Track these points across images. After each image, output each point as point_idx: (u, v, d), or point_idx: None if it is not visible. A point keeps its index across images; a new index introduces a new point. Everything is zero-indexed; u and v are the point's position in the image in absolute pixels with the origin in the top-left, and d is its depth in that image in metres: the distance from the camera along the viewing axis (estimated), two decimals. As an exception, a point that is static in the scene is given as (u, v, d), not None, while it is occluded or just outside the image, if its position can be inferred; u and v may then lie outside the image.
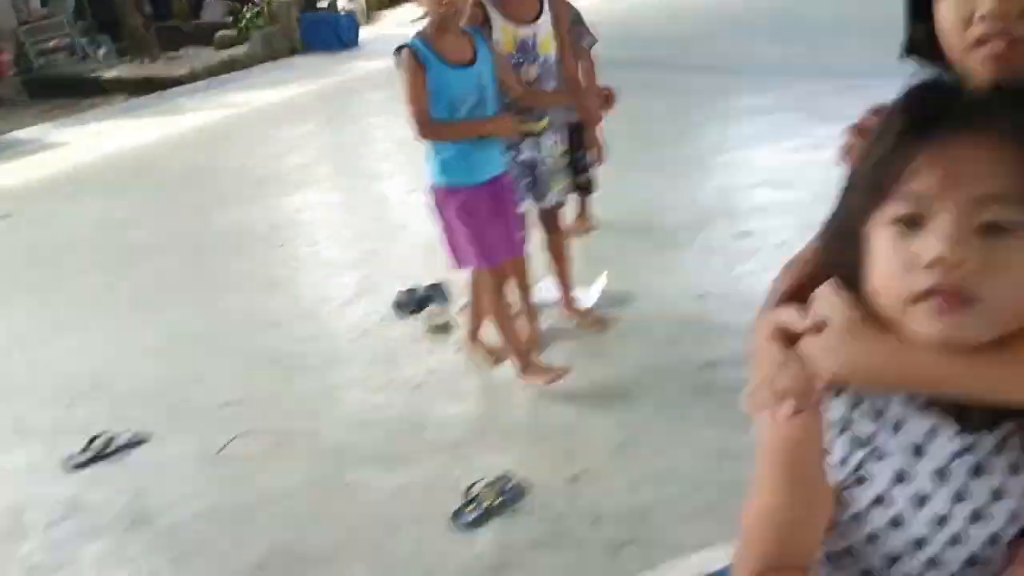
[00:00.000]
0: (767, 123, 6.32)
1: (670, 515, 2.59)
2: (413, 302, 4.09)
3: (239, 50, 12.01)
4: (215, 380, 3.66)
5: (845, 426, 0.94)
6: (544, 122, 3.42)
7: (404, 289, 4.16)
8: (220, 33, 12.34)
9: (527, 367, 3.32)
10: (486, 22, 3.23)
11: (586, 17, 4.00)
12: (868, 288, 0.90)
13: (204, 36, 12.47)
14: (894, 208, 0.86)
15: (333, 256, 4.95)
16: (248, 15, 12.37)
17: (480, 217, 3.13)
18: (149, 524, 2.85)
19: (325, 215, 5.70)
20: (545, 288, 3.82)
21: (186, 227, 5.61)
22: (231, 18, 12.80)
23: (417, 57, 3.00)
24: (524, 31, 3.27)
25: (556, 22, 3.34)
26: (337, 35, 12.46)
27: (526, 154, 3.43)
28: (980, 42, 1.01)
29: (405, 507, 2.78)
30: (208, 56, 11.87)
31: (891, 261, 0.87)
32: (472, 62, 3.05)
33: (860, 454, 0.94)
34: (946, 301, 0.84)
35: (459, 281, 3.97)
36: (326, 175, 6.55)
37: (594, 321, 3.75)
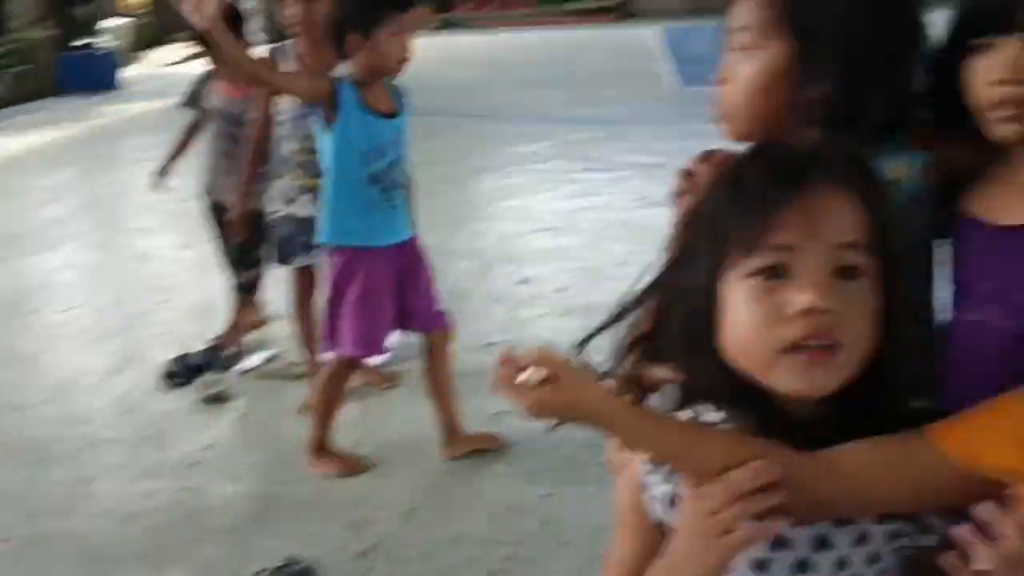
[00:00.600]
0: (541, 170, 6.50)
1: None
2: (184, 371, 3.77)
3: (-12, 91, 11.06)
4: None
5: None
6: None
7: (174, 357, 3.83)
8: (-37, 72, 11.29)
9: (322, 454, 3.10)
10: None
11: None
12: (724, 343, 0.91)
13: (-56, 75, 11.37)
14: (755, 261, 0.88)
15: (91, 323, 4.51)
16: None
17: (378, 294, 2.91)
18: None
19: (83, 277, 5.23)
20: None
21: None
22: (-22, 56, 11.74)
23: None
24: None
25: None
26: (97, 76, 11.76)
27: (305, 210, 3.25)
28: None
29: (179, 611, 2.50)
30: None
31: (755, 314, 0.88)
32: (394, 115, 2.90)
33: None
34: (816, 354, 0.87)
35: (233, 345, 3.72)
36: (85, 230, 6.07)
37: (382, 378, 3.60)
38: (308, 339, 3.48)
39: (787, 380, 0.88)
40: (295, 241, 3.32)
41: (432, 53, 13.04)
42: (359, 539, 2.73)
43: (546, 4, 15.82)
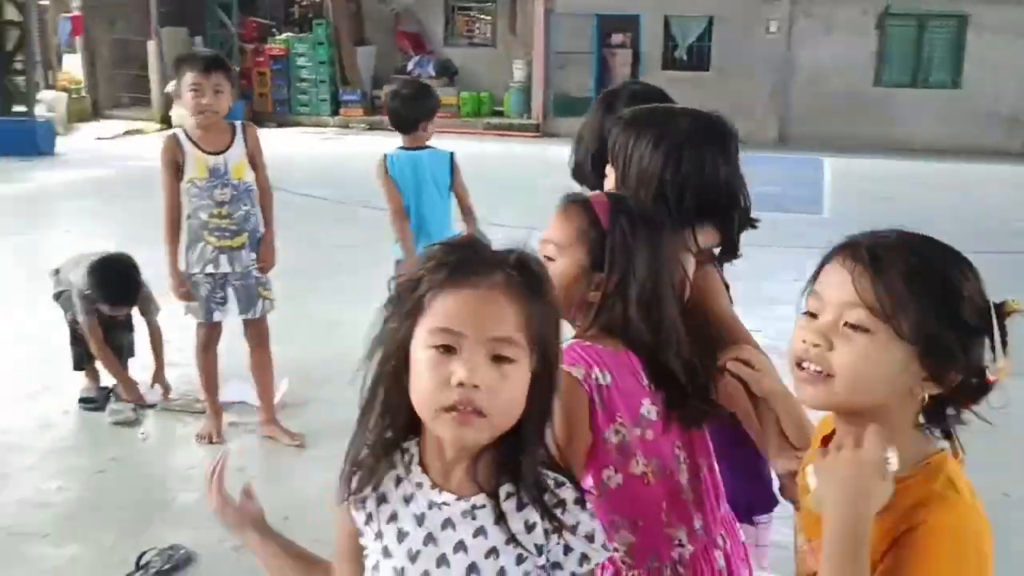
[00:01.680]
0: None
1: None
2: (101, 398, 4.29)
3: (-84, 148, 11.32)
4: None
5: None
6: (243, 237, 3.80)
7: (94, 385, 4.35)
8: None
9: None
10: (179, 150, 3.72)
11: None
12: (412, 396, 1.15)
13: None
14: (434, 337, 1.12)
15: (19, 353, 4.98)
16: (-69, 112, 11.74)
17: None
18: None
19: (9, 315, 5.66)
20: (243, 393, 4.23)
21: None
22: (-90, 113, 12.06)
23: None
24: (214, 160, 3.74)
25: (249, 151, 3.81)
26: (33, 141, 12.15)
27: (223, 268, 3.78)
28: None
29: (76, 574, 3.01)
30: None
31: (430, 378, 1.11)
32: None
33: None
34: (464, 416, 1.10)
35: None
36: (13, 281, 6.46)
37: (293, 435, 4.00)
38: (208, 383, 3.97)
39: (444, 432, 1.12)
40: (214, 297, 3.82)
41: (360, 149, 13.89)
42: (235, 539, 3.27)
43: (468, 117, 16.92)
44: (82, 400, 4.30)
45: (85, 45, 16.81)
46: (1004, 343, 1.13)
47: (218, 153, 3.74)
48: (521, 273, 1.14)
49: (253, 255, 3.84)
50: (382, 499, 1.21)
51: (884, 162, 14.10)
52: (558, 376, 1.21)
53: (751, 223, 1.85)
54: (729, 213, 1.77)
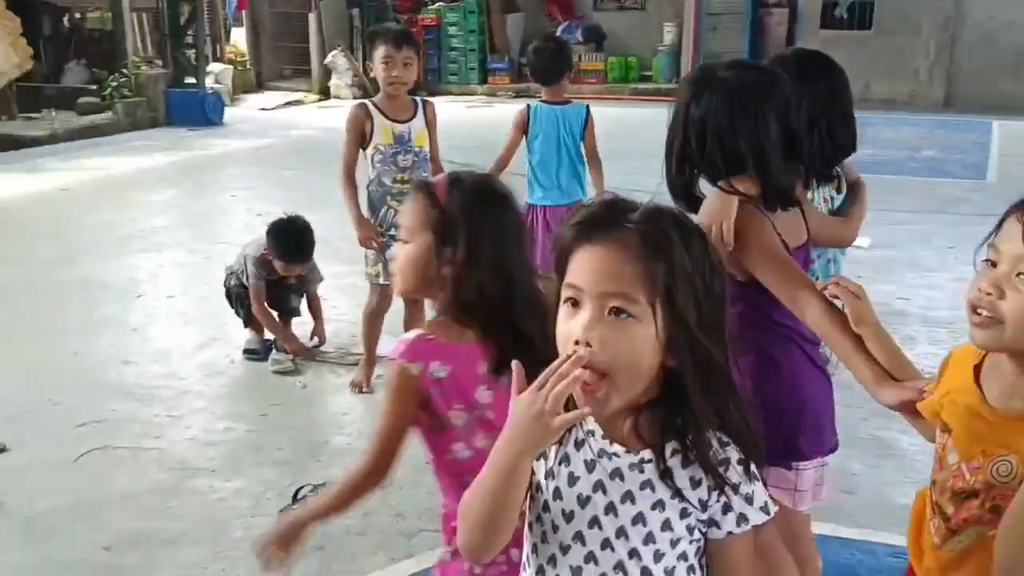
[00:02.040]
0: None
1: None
2: (263, 349, 4.63)
3: (102, 117, 12.27)
4: (71, 404, 4.07)
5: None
6: None
7: (257, 337, 4.70)
8: (83, 99, 12.57)
9: None
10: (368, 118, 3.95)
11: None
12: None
13: (65, 100, 12.66)
14: (564, 292, 1.19)
15: (186, 308, 5.42)
16: (113, 84, 12.67)
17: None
18: (7, 515, 3.24)
19: (181, 272, 6.15)
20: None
21: (48, 274, 5.95)
22: (95, 85, 13.06)
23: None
24: (400, 127, 3.98)
25: (428, 123, 4.04)
26: (203, 112, 12.92)
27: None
28: None
29: (240, 506, 3.30)
30: (69, 120, 12.07)
31: (560, 331, 1.19)
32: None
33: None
34: (586, 388, 1.13)
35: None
36: (186, 238, 6.98)
37: None
38: (370, 340, 4.23)
39: (576, 397, 1.15)
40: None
41: (505, 117, 14.07)
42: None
43: (615, 83, 16.83)
44: (246, 351, 4.65)
45: (250, 19, 17.68)
46: None
47: (404, 122, 3.99)
48: (648, 229, 1.16)
49: None
50: (557, 440, 1.22)
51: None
52: (714, 332, 1.19)
53: (820, 172, 2.22)
54: (760, 164, 1.91)
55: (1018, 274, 1.28)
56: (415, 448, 3.79)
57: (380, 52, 3.91)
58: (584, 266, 1.15)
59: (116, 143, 11.28)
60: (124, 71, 12.85)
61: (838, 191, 2.48)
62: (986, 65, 15.22)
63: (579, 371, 1.12)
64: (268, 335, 4.68)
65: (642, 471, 1.19)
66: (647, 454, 1.19)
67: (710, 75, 1.97)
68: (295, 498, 3.26)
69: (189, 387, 4.32)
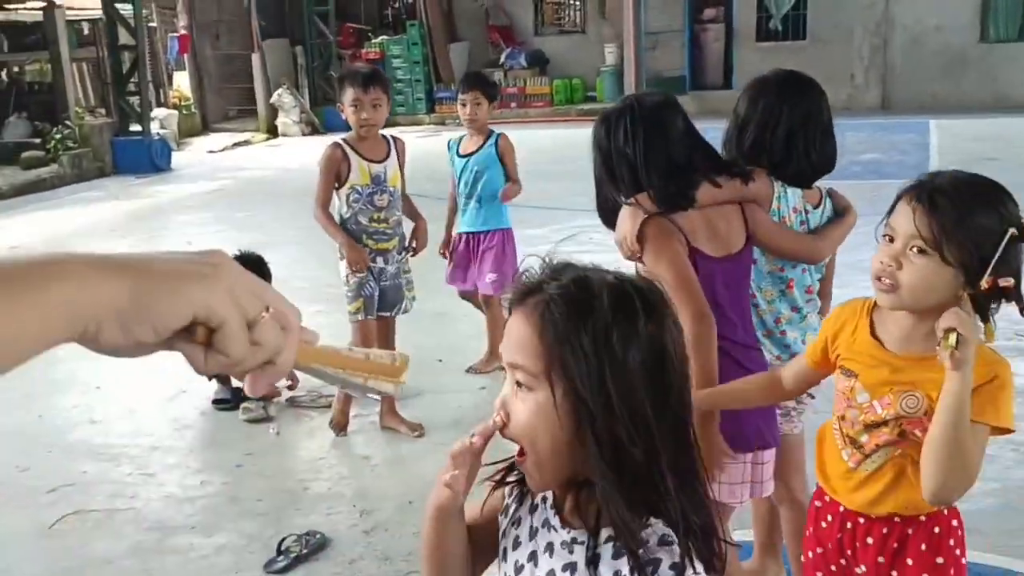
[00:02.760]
0: (540, 251, 7.31)
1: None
2: (233, 398, 4.59)
3: (47, 170, 12.12)
4: (40, 469, 4.00)
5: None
6: (395, 240, 4.11)
7: (226, 387, 4.66)
8: (26, 153, 12.40)
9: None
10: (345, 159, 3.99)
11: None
12: None
13: (7, 155, 12.47)
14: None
15: (153, 361, 5.32)
16: (57, 136, 12.52)
17: None
18: (-15, 590, 3.18)
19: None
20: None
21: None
22: (38, 138, 12.89)
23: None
24: (376, 168, 4.02)
25: (400, 162, 4.11)
26: (150, 158, 12.82)
27: (379, 267, 4.05)
28: None
29: (222, 563, 3.27)
30: (13, 175, 11.89)
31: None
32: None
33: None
34: (519, 456, 1.13)
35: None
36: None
37: (413, 426, 4.21)
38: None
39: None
40: (373, 296, 4.07)
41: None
42: (365, 520, 3.49)
43: (561, 105, 17.02)
44: (216, 401, 4.61)
45: (192, 62, 17.59)
46: (1001, 262, 1.54)
47: (380, 162, 4.04)
48: (547, 298, 1.08)
49: (399, 256, 4.16)
50: (520, 499, 1.23)
51: (992, 121, 13.53)
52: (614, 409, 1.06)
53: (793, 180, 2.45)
54: (636, 177, 2.22)
55: (910, 248, 1.58)
56: (398, 488, 3.78)
57: (348, 95, 3.92)
58: (506, 334, 1.13)
59: (64, 196, 11.14)
60: (67, 122, 12.71)
61: (816, 206, 2.51)
62: (918, 67, 15.69)
63: (475, 440, 1.15)
64: (236, 383, 4.64)
65: (571, 551, 1.13)
66: (580, 535, 1.13)
67: (615, 107, 2.32)
68: (279, 550, 3.25)
69: (159, 443, 4.27)
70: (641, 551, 1.05)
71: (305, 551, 3.25)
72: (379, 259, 4.07)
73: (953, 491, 1.59)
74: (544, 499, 1.19)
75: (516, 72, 17.63)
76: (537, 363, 1.07)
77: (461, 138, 4.77)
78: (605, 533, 1.10)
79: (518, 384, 1.10)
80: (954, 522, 1.76)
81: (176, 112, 16.41)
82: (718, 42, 16.78)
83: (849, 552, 1.82)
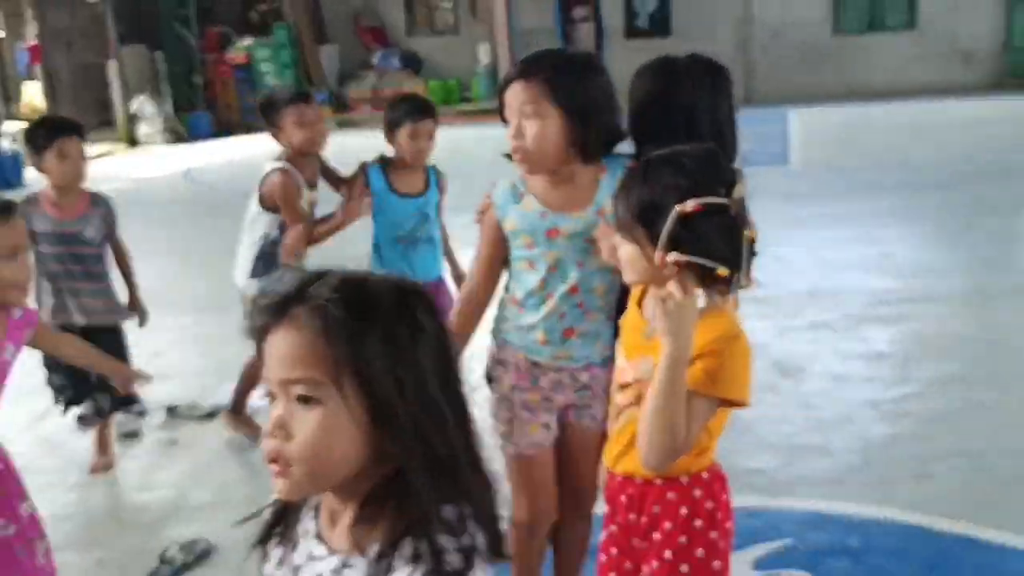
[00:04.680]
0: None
1: None
2: (94, 416, 4.37)
3: None
4: None
5: None
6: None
7: (90, 403, 4.46)
8: None
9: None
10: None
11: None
12: None
13: None
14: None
15: (19, 380, 5.06)
16: (-99, 153, 11.75)
17: None
18: None
19: (4, 345, 5.76)
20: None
21: None
22: None
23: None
24: (314, 193, 3.86)
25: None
26: (0, 174, 12.17)
27: None
28: None
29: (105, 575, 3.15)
30: None
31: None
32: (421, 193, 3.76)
33: None
34: (276, 471, 1.04)
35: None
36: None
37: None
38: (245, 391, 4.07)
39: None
40: None
41: (330, 149, 13.98)
42: (252, 525, 3.41)
43: (438, 106, 17.01)
44: (79, 419, 4.39)
45: (45, 72, 16.79)
46: (672, 238, 1.59)
47: (314, 186, 3.88)
48: (335, 300, 1.03)
49: None
50: (283, 536, 1.17)
51: (846, 109, 14.30)
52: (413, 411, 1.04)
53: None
54: None
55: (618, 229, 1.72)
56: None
57: (291, 113, 3.70)
58: (268, 356, 1.05)
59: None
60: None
61: None
62: (777, 61, 16.40)
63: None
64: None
65: None
66: (353, 557, 1.05)
67: None
68: (162, 560, 3.14)
69: (30, 463, 4.01)
70: (437, 543, 1.02)
71: (191, 559, 3.16)
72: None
73: (660, 456, 1.59)
74: (306, 532, 1.13)
75: (390, 74, 17.54)
76: (322, 370, 1.01)
77: (383, 167, 3.76)
78: (373, 550, 1.04)
79: (298, 400, 1.03)
80: (716, 485, 1.75)
81: (27, 125, 15.63)
82: (589, 39, 17.11)
83: (608, 508, 1.84)
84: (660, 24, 17.01)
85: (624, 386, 1.76)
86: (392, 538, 1.02)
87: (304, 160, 3.80)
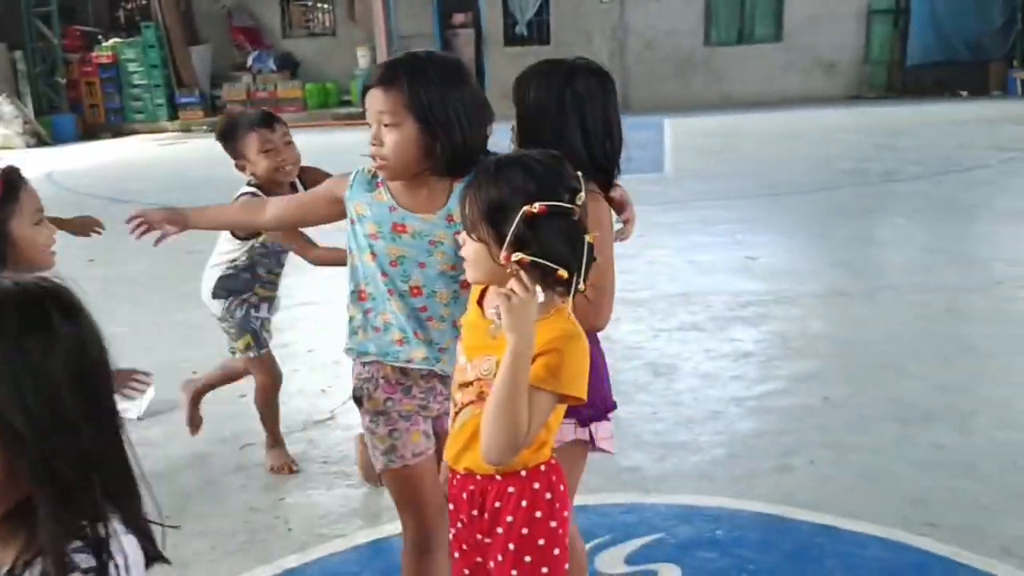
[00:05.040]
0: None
1: (204, 561, 3.09)
2: None
3: None
4: None
5: None
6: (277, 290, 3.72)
7: None
8: None
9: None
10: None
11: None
12: None
13: None
14: None
15: None
16: None
17: None
18: None
19: None
20: None
21: None
22: None
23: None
24: None
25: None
26: None
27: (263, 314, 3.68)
28: None
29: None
30: None
31: None
32: None
33: None
34: None
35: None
36: None
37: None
38: (274, 419, 3.77)
39: None
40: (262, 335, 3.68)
41: (202, 154, 13.57)
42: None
43: (315, 109, 16.76)
44: None
45: None
46: (517, 238, 1.62)
47: None
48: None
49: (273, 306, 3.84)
50: None
51: (717, 118, 14.83)
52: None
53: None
54: None
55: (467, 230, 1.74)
56: (152, 505, 3.57)
57: (254, 140, 3.40)
58: None
59: None
60: None
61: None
62: (651, 69, 16.86)
63: None
64: None
65: None
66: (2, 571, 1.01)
67: None
68: None
69: None
70: (72, 563, 0.98)
71: None
72: (262, 306, 3.68)
73: (500, 451, 1.64)
74: None
75: (265, 76, 17.17)
76: None
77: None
78: (10, 568, 0.99)
79: None
80: (553, 477, 1.80)
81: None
82: (468, 46, 17.16)
83: (452, 507, 1.87)
84: (539, 32, 17.24)
85: (465, 384, 1.79)
86: (25, 557, 0.97)
87: (277, 188, 3.46)
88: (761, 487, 3.31)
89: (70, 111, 16.63)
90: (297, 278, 6.69)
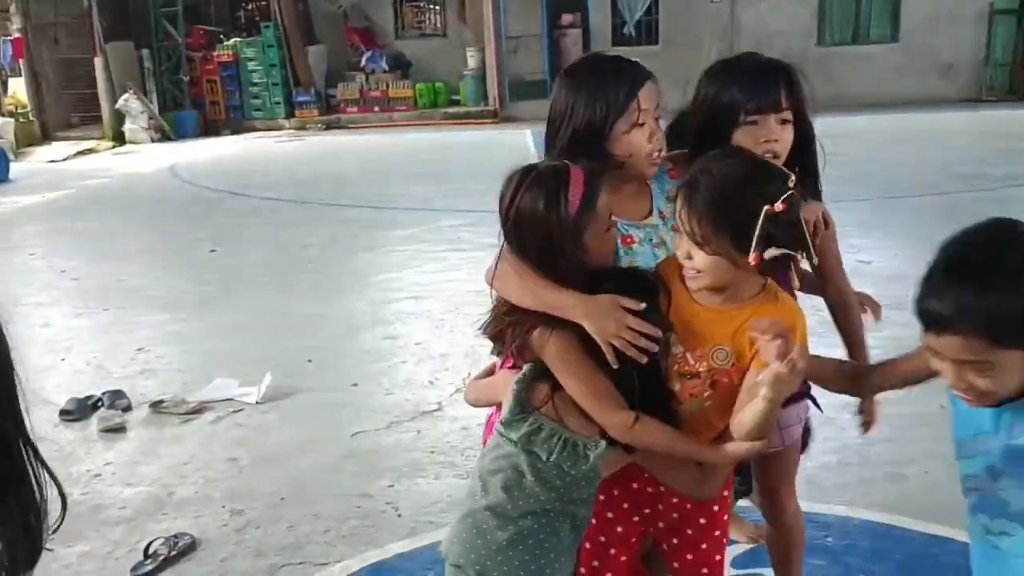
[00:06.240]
0: (412, 250, 7.37)
1: (318, 543, 3.21)
2: (78, 411, 4.40)
3: None
4: None
5: None
6: None
7: (74, 398, 4.47)
8: None
9: None
10: None
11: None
12: None
13: None
14: None
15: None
16: None
17: None
18: None
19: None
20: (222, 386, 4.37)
21: None
22: None
23: None
24: None
25: None
26: (-12, 168, 12.12)
27: None
28: None
29: (86, 570, 3.15)
30: None
31: None
32: None
33: None
34: None
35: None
36: (-15, 303, 6.52)
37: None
38: None
39: None
40: None
41: (317, 150, 13.98)
42: (236, 520, 3.43)
43: (425, 109, 17.04)
44: (62, 412, 4.42)
45: (29, 67, 16.69)
46: (763, 237, 1.62)
47: None
48: None
49: None
50: None
51: (831, 120, 14.34)
52: None
53: None
54: None
55: (691, 241, 1.71)
56: (268, 486, 3.75)
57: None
58: None
59: None
60: None
61: None
62: (762, 70, 16.52)
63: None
64: (90, 392, 4.49)
65: None
66: None
67: None
68: (146, 554, 3.15)
69: (11, 457, 4.05)
70: None
71: (173, 553, 3.17)
72: None
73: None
74: None
75: (378, 75, 17.54)
76: None
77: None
78: None
79: None
80: (726, 492, 1.99)
81: (12, 120, 15.53)
82: (576, 46, 17.16)
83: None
84: (647, 32, 17.10)
85: (688, 375, 1.79)
86: None
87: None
88: (873, 495, 3.24)
89: (192, 108, 17.35)
90: (404, 272, 6.88)
